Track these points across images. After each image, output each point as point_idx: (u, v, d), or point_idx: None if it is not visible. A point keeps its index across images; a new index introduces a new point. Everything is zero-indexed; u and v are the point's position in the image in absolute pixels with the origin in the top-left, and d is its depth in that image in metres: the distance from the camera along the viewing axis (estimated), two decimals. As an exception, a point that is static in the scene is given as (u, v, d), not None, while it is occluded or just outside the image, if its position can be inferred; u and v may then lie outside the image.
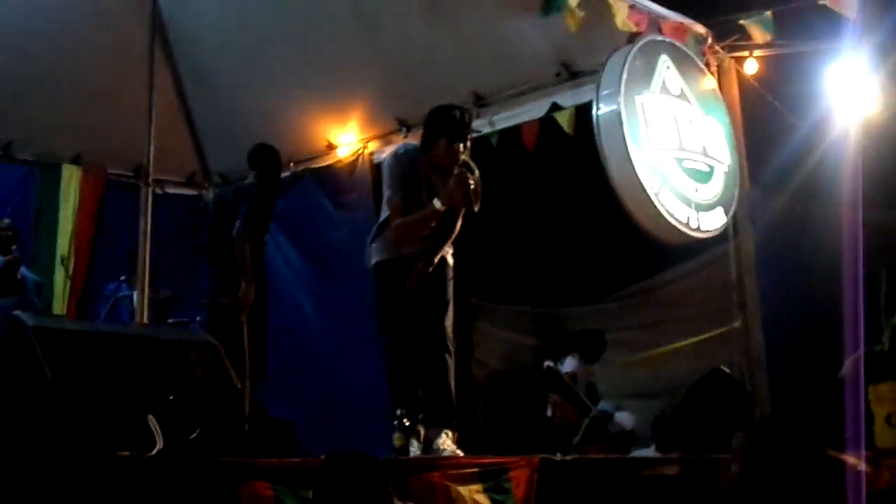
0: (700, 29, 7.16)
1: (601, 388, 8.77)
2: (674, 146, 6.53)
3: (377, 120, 8.55)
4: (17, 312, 4.03)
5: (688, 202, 6.48)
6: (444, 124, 5.67)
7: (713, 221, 6.68)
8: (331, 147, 8.95)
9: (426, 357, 5.63)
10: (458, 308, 6.02)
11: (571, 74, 7.43)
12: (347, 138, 8.87)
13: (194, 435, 4.00)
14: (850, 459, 4.01)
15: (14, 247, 8.32)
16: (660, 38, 6.80)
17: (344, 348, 8.49)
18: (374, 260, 5.85)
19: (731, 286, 7.12)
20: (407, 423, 5.38)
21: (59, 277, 8.87)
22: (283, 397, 8.22)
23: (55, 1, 7.79)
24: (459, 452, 5.34)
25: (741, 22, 7.00)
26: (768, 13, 6.94)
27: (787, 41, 7.06)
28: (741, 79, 7.25)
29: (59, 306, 8.77)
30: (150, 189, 7.42)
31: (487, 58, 7.61)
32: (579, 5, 6.40)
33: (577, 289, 9.19)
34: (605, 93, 6.33)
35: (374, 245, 5.85)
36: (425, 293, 5.68)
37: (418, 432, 5.49)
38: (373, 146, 8.72)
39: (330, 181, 8.99)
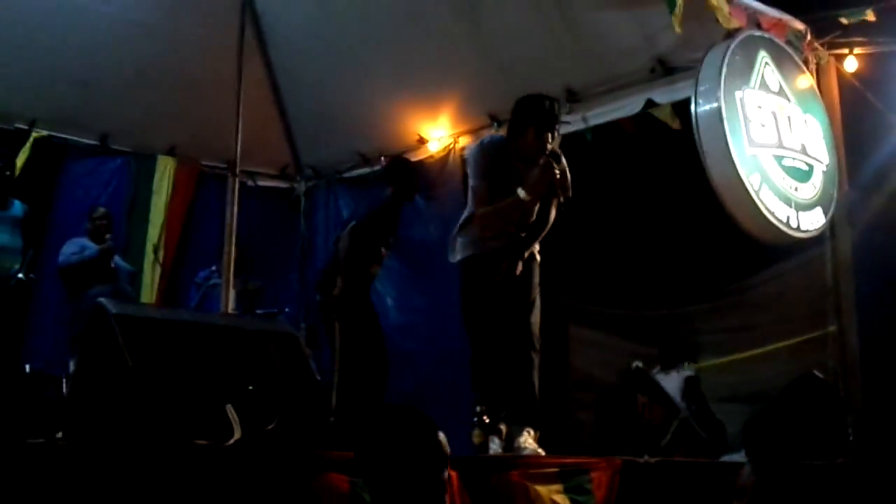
0: (799, 25, 7.02)
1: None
2: (773, 143, 6.40)
3: (468, 114, 8.49)
4: (101, 300, 4.06)
5: (788, 201, 6.35)
6: (532, 114, 5.57)
7: (813, 221, 6.54)
8: (422, 141, 8.91)
9: (511, 354, 5.55)
10: (554, 311, 5.93)
11: (666, 70, 7.30)
12: (438, 133, 8.83)
13: (272, 426, 3.99)
14: None
15: (109, 235, 8.42)
16: (758, 33, 6.66)
17: (431, 344, 8.45)
18: (459, 256, 5.77)
19: (827, 289, 6.94)
20: (487, 420, 5.33)
21: (150, 266, 9.02)
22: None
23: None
24: (541, 451, 5.27)
25: (841, 19, 6.81)
26: (869, 10, 6.75)
27: (888, 38, 6.86)
28: (840, 76, 7.05)
29: (149, 295, 8.90)
30: (237, 180, 7.40)
31: (580, 53, 7.52)
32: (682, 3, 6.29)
33: (670, 291, 9.03)
34: (703, 88, 6.23)
35: (459, 239, 5.77)
36: (512, 290, 5.61)
37: (500, 430, 5.43)
38: (464, 141, 8.63)
39: (421, 176, 8.97)
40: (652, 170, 8.68)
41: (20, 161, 8.32)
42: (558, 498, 4.47)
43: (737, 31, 6.47)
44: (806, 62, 6.96)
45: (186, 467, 3.57)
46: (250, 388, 4.04)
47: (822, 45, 7.06)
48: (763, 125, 6.36)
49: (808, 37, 7.02)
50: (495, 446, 5.38)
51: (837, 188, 6.79)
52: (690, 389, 8.21)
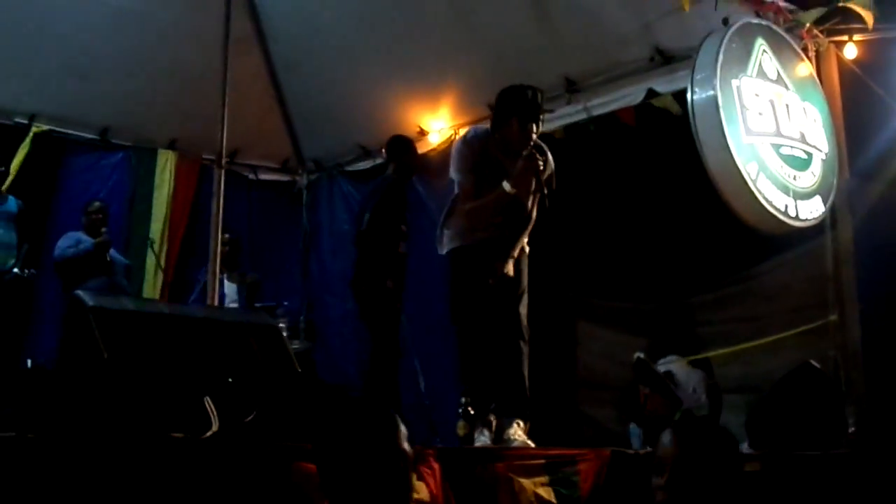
0: (798, 12, 6.91)
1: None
2: (771, 132, 6.33)
3: (468, 106, 8.46)
4: (78, 292, 4.05)
5: (786, 190, 6.28)
6: (515, 104, 5.51)
7: (811, 210, 6.47)
8: (422, 133, 8.91)
9: (500, 345, 5.51)
10: (561, 306, 5.87)
11: (665, 59, 7.28)
12: (438, 124, 8.85)
13: (250, 418, 3.95)
14: None
15: (104, 229, 8.43)
16: (756, 20, 6.60)
17: (426, 334, 8.42)
18: (447, 247, 5.75)
19: (828, 278, 6.86)
20: (472, 412, 5.29)
21: (151, 261, 9.00)
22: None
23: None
24: (530, 443, 5.23)
25: (840, 5, 6.73)
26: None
27: (887, 25, 6.77)
28: (840, 63, 6.97)
29: (150, 290, 8.90)
30: (223, 172, 7.36)
31: (579, 43, 7.53)
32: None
33: (673, 283, 8.96)
34: (699, 76, 6.16)
35: (446, 231, 5.75)
36: (501, 281, 5.55)
37: (490, 422, 5.38)
38: (464, 132, 8.60)
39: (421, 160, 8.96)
40: (656, 162, 8.61)
41: (19, 157, 8.32)
42: (542, 490, 4.41)
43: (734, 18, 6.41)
44: (805, 49, 6.88)
45: (163, 460, 3.54)
46: (229, 380, 4.01)
47: (821, 31, 6.97)
48: (760, 113, 6.28)
49: (808, 24, 6.92)
50: (485, 438, 5.33)
51: (837, 176, 6.71)
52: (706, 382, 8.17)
